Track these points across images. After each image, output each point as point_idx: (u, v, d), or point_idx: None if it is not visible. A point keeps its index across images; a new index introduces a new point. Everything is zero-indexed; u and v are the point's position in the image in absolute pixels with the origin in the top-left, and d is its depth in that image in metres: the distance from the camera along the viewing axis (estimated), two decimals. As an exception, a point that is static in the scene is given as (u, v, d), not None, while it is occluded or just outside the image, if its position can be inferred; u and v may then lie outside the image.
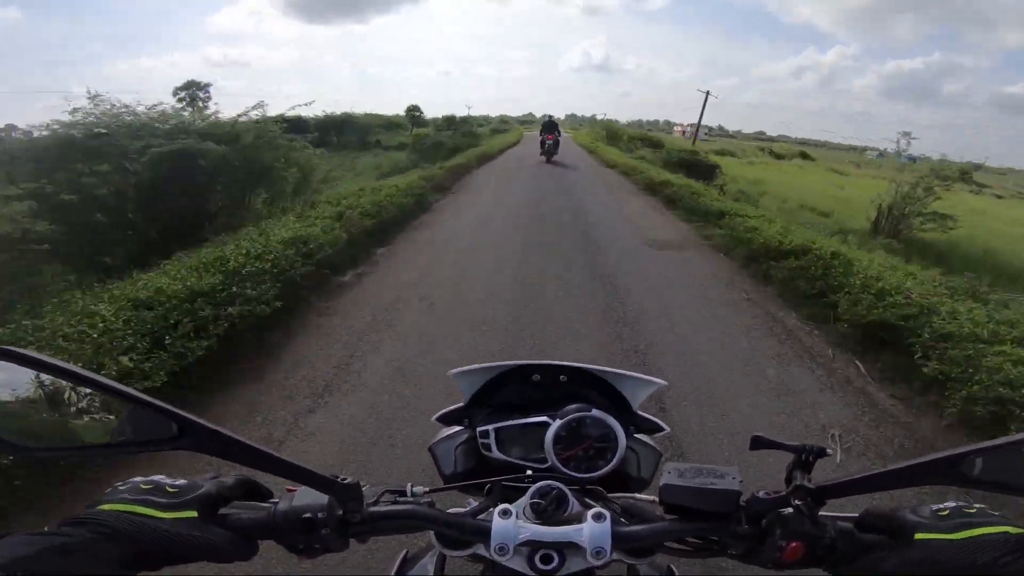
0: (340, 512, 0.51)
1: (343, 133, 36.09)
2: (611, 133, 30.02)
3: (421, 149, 19.40)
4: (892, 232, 11.74)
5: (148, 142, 5.71)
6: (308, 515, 0.48)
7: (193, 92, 47.40)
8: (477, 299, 4.23)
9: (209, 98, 47.93)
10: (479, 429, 0.72)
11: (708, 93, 31.99)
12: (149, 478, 0.48)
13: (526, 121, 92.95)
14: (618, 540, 0.51)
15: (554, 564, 0.52)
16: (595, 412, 0.68)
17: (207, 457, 0.46)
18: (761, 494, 0.49)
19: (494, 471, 0.68)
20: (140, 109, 6.31)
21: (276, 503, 0.50)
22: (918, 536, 0.45)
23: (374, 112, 44.98)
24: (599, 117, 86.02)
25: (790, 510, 0.49)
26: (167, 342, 2.71)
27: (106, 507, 0.44)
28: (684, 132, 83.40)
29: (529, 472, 0.65)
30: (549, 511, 0.54)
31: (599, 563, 0.51)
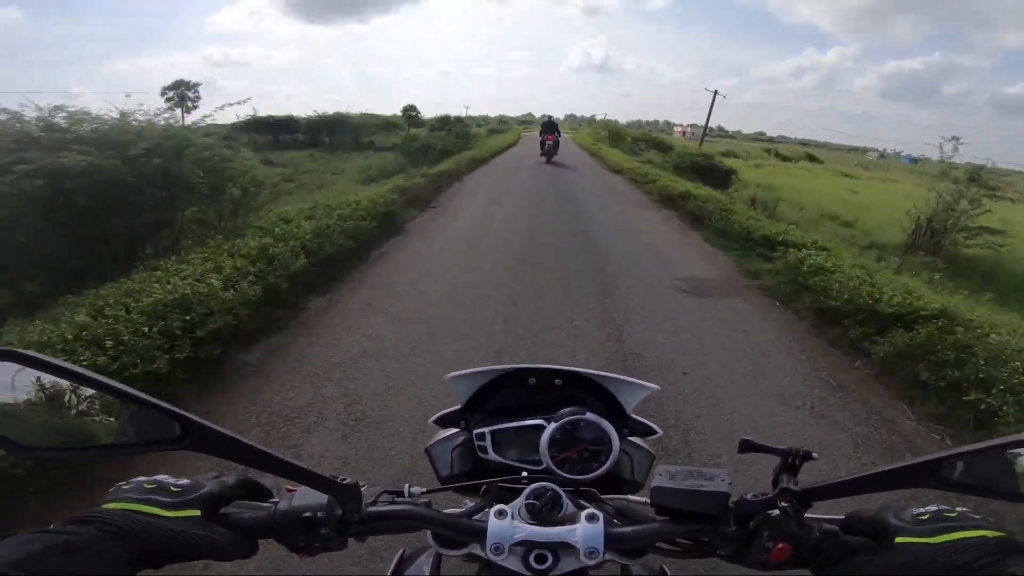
0: (339, 512, 0.51)
1: (336, 133, 34.59)
2: (614, 134, 28.39)
3: (409, 152, 17.77)
4: (932, 248, 10.22)
5: (19, 156, 4.21)
6: (308, 514, 0.49)
7: (182, 92, 46.05)
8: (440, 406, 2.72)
9: (199, 98, 46.68)
10: (475, 431, 0.73)
11: (716, 92, 30.30)
12: (153, 478, 0.48)
13: (525, 121, 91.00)
14: (610, 541, 0.52)
15: (548, 564, 0.53)
16: (589, 415, 0.68)
17: (209, 457, 0.46)
18: (749, 496, 0.49)
19: (490, 473, 0.69)
20: (29, 114, 4.82)
21: (277, 503, 0.51)
22: (898, 540, 0.45)
23: (371, 112, 43.39)
24: (599, 117, 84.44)
25: (777, 512, 0.49)
26: None
27: (111, 506, 0.45)
28: (684, 132, 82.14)
29: (525, 474, 0.65)
30: (543, 512, 0.55)
31: (592, 563, 0.52)
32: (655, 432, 0.76)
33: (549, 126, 15.80)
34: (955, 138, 10.05)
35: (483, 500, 0.62)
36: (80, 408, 0.44)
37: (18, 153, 4.23)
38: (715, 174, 13.54)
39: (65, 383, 0.43)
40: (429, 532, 0.56)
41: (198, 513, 0.46)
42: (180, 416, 0.44)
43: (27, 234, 4.28)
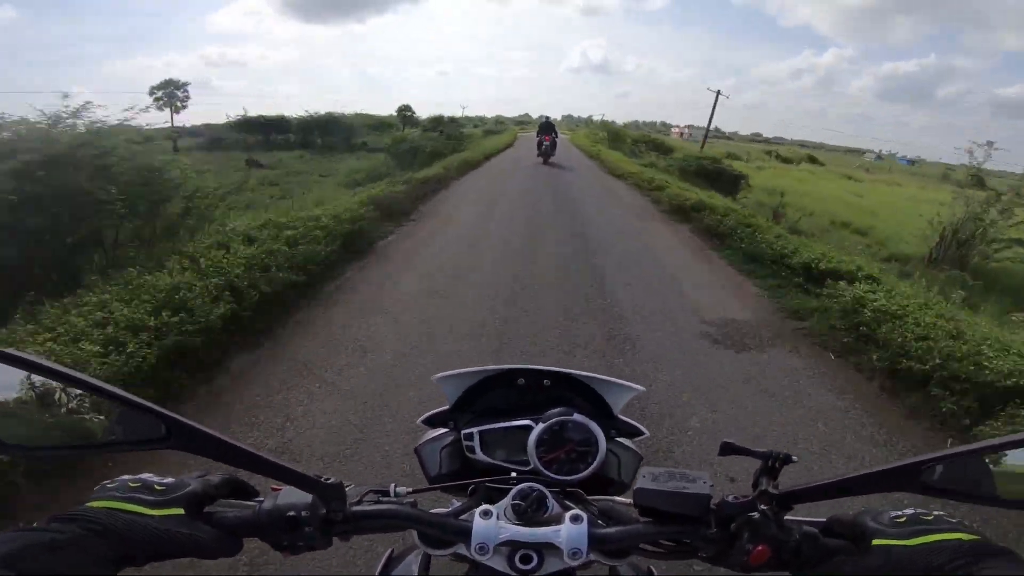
0: (323, 511, 0.51)
1: (328, 134, 33.53)
2: (612, 135, 27.37)
3: (398, 154, 16.70)
4: (958, 261, 9.30)
5: None
6: (292, 513, 0.49)
7: (171, 91, 44.90)
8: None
9: (188, 97, 45.55)
10: (464, 432, 0.73)
11: (719, 92, 29.27)
12: (138, 476, 0.48)
13: (523, 122, 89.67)
14: (594, 542, 0.52)
15: (533, 564, 0.52)
16: (577, 416, 0.68)
17: (196, 456, 0.46)
18: (730, 498, 0.50)
19: (478, 473, 0.68)
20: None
21: (261, 502, 0.51)
22: (875, 542, 0.45)
23: (365, 112, 42.27)
24: (596, 118, 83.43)
25: (757, 514, 0.49)
26: None
27: (95, 504, 0.45)
28: (682, 134, 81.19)
29: (514, 474, 0.65)
30: (529, 512, 0.54)
31: (575, 564, 0.52)
32: (642, 433, 0.76)
33: (546, 127, 15.86)
34: (989, 143, 9.03)
35: (470, 500, 0.61)
36: (68, 408, 0.45)
37: None
38: (723, 179, 12.57)
39: (54, 383, 0.44)
40: (415, 532, 0.56)
41: (182, 511, 0.46)
42: (166, 416, 0.45)
43: None
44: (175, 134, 40.95)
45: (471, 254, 5.40)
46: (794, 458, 0.51)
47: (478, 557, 0.52)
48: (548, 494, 0.56)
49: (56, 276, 3.97)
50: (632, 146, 24.66)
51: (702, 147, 26.37)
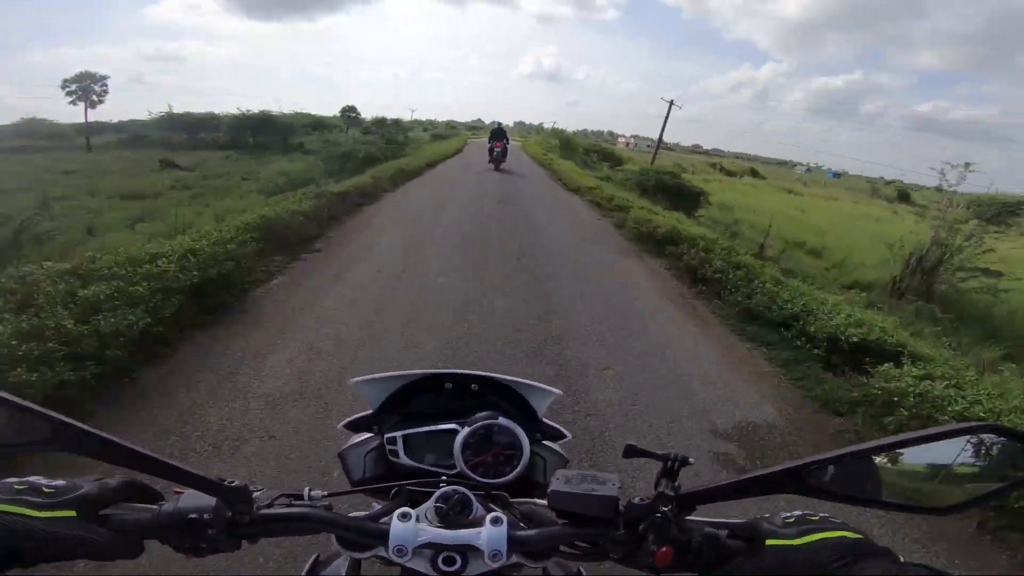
0: (229, 514, 0.50)
1: (262, 134, 30.72)
2: (564, 143, 26.41)
3: (329, 158, 14.77)
4: (923, 291, 8.70)
5: None
6: (194, 516, 0.48)
7: (87, 85, 40.48)
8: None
9: (106, 92, 41.32)
10: (387, 436, 0.73)
11: (672, 103, 28.85)
12: (24, 479, 0.47)
13: (475, 127, 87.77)
14: (514, 544, 0.51)
15: (457, 566, 0.51)
16: (502, 420, 0.68)
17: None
18: (636, 500, 0.50)
19: (403, 477, 0.67)
20: None
21: (163, 504, 0.50)
22: (769, 542, 0.46)
23: (305, 111, 39.33)
24: (547, 125, 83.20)
25: (660, 516, 0.49)
26: None
27: None
28: (628, 144, 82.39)
29: (444, 478, 0.65)
30: (451, 515, 0.54)
31: (496, 565, 0.51)
32: (565, 436, 0.77)
33: (498, 133, 15.58)
34: (966, 164, 8.42)
35: (391, 503, 0.61)
36: None
37: None
38: (684, 195, 11.62)
39: None
40: (334, 535, 0.54)
41: (73, 514, 0.45)
42: (51, 417, 0.44)
43: None
44: (87, 130, 36.89)
45: (385, 317, 3.82)
46: (691, 460, 0.52)
47: (396, 559, 0.51)
48: (472, 497, 0.56)
49: None
50: (584, 155, 23.78)
51: (653, 160, 25.85)
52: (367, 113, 38.84)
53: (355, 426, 0.76)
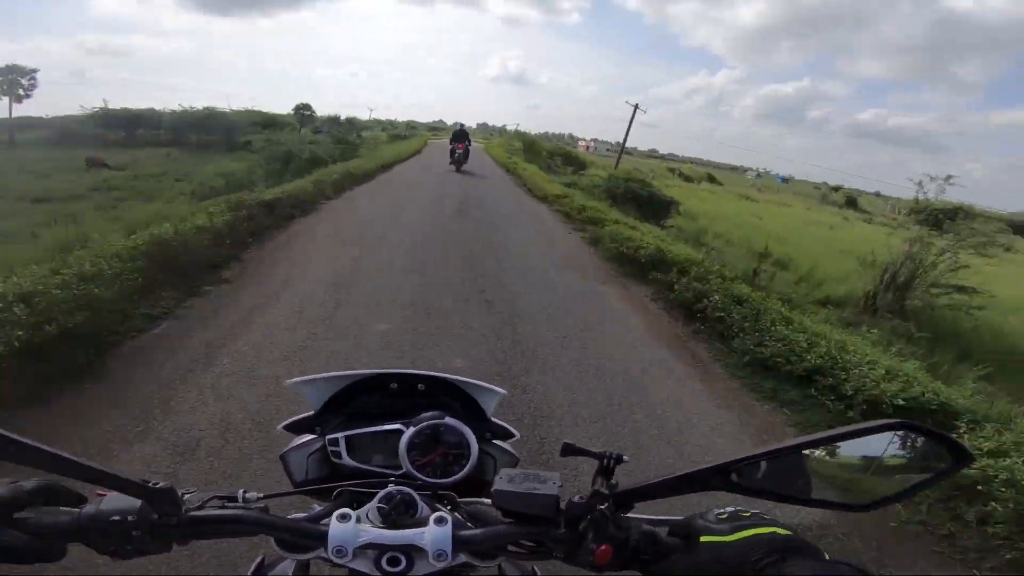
0: (155, 516, 0.48)
1: (206, 131, 28.54)
2: (528, 146, 25.61)
3: (270, 159, 13.29)
4: (896, 307, 8.40)
5: None
6: (117, 518, 0.47)
7: (13, 78, 36.96)
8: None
9: (35, 86, 37.98)
10: (328, 437, 0.71)
11: (636, 107, 28.44)
12: None
13: (437, 128, 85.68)
14: (459, 543, 0.50)
15: (402, 566, 0.50)
16: (448, 420, 0.67)
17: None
18: (576, 499, 0.50)
19: (348, 479, 0.65)
20: None
21: (84, 507, 0.49)
22: (703, 539, 0.46)
23: (258, 109, 36.90)
24: (510, 128, 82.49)
25: (598, 514, 0.49)
26: None
27: None
28: (588, 147, 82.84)
29: (393, 479, 0.63)
30: (394, 515, 0.53)
31: (441, 565, 0.50)
32: (514, 435, 0.76)
33: (460, 135, 15.18)
34: (948, 177, 8.09)
35: (332, 504, 0.58)
36: None
37: None
38: (655, 203, 11.00)
39: None
40: (273, 538, 0.52)
41: None
42: None
43: None
44: (10, 126, 33.44)
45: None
46: (625, 458, 0.52)
47: (336, 560, 0.50)
48: (417, 497, 0.55)
49: None
50: (548, 159, 23.08)
51: (617, 164, 25.44)
52: (324, 111, 36.89)
53: (296, 428, 0.74)
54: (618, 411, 2.88)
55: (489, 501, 0.55)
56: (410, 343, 3.40)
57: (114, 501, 0.47)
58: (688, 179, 39.72)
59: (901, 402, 2.77)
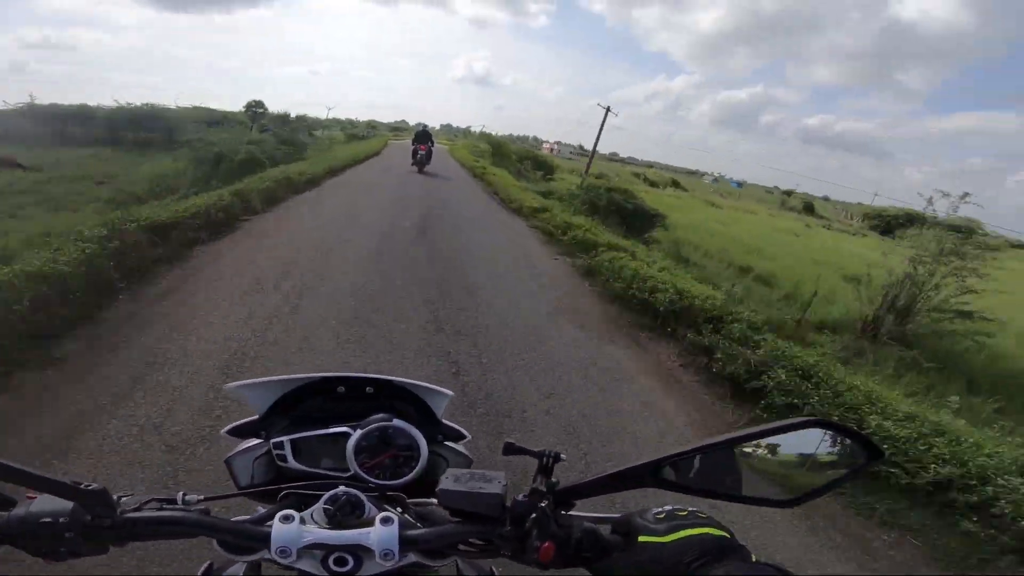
0: (88, 518, 0.47)
1: (145, 129, 25.87)
2: (496, 148, 24.22)
3: (199, 161, 11.40)
4: (898, 334, 7.66)
5: None
6: (48, 520, 0.46)
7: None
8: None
9: None
10: (273, 441, 0.69)
11: (608, 109, 27.41)
12: None
13: (399, 128, 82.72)
14: (406, 542, 0.50)
15: (349, 567, 0.50)
16: (396, 422, 0.66)
17: None
18: (520, 497, 0.49)
19: (294, 482, 0.64)
20: None
21: (13, 510, 0.48)
22: (640, 538, 0.45)
23: (203, 106, 33.91)
24: (475, 129, 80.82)
25: (540, 512, 0.48)
26: None
27: None
28: (552, 150, 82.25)
29: (345, 481, 0.61)
30: (339, 516, 0.52)
31: (389, 565, 0.50)
32: (465, 436, 0.75)
33: (423, 136, 14.65)
34: (965, 194, 7.27)
35: (277, 506, 0.57)
36: None
37: None
38: (639, 217, 9.94)
39: None
40: (215, 540, 0.51)
41: None
42: None
43: None
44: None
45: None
46: (563, 456, 0.51)
47: (281, 560, 0.49)
48: (364, 498, 0.54)
49: None
50: (517, 163, 21.82)
51: (587, 169, 24.49)
52: (279, 109, 34.33)
53: (240, 432, 0.72)
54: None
55: (435, 500, 0.54)
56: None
57: (45, 503, 0.47)
58: (654, 184, 39.37)
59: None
